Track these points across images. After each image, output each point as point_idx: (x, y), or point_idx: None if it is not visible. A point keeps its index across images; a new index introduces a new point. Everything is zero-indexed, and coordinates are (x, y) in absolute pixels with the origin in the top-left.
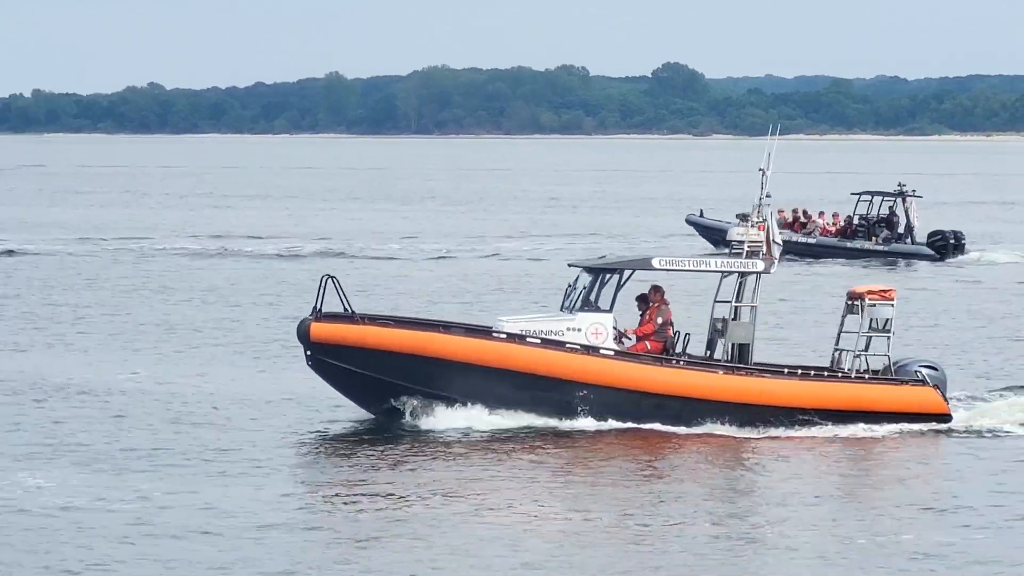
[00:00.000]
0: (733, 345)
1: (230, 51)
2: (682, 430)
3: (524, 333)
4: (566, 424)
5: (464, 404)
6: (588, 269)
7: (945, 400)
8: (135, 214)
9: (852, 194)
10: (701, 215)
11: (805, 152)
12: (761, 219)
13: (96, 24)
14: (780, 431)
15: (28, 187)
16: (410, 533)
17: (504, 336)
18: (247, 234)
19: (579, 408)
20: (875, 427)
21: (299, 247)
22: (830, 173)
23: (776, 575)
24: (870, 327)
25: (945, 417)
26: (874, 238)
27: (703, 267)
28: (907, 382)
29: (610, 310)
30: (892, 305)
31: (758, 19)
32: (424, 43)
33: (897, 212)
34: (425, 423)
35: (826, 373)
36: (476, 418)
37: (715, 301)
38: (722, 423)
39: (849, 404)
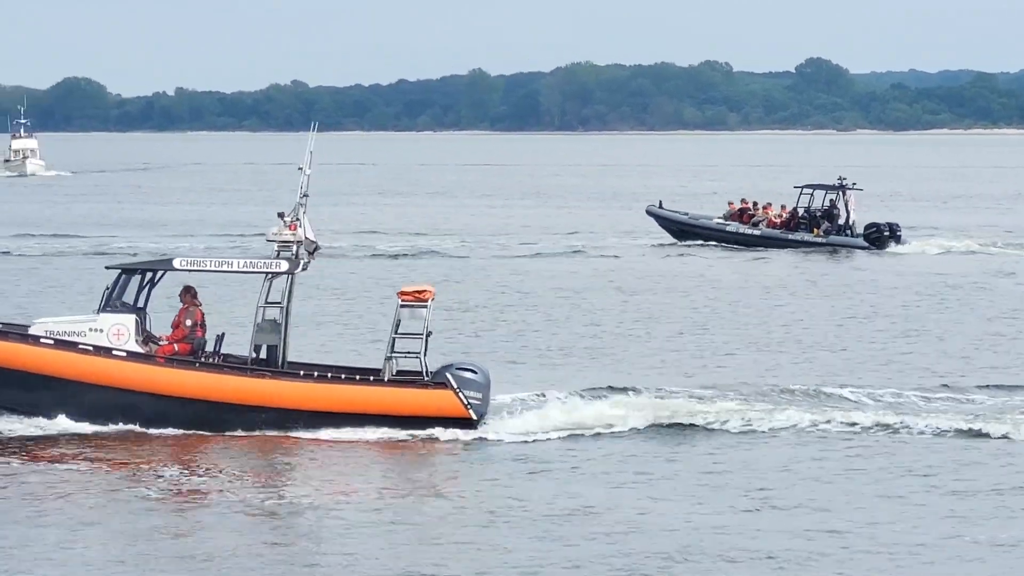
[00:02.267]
0: (264, 347)
1: (373, 48)
2: (205, 433)
3: (45, 334)
4: (81, 426)
5: None
6: (119, 270)
7: (466, 404)
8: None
9: (795, 187)
10: (660, 206)
11: (948, 146)
12: (294, 218)
13: (239, 22)
14: (302, 434)
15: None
16: None
17: (18, 337)
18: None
19: (95, 409)
20: (396, 431)
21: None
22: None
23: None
24: (396, 328)
25: (467, 422)
26: (815, 230)
27: (225, 267)
28: (428, 385)
29: (134, 311)
30: (426, 307)
31: (901, 13)
32: (567, 39)
33: (838, 205)
34: None
35: (344, 376)
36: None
37: (265, 303)
38: (242, 426)
39: (364, 408)
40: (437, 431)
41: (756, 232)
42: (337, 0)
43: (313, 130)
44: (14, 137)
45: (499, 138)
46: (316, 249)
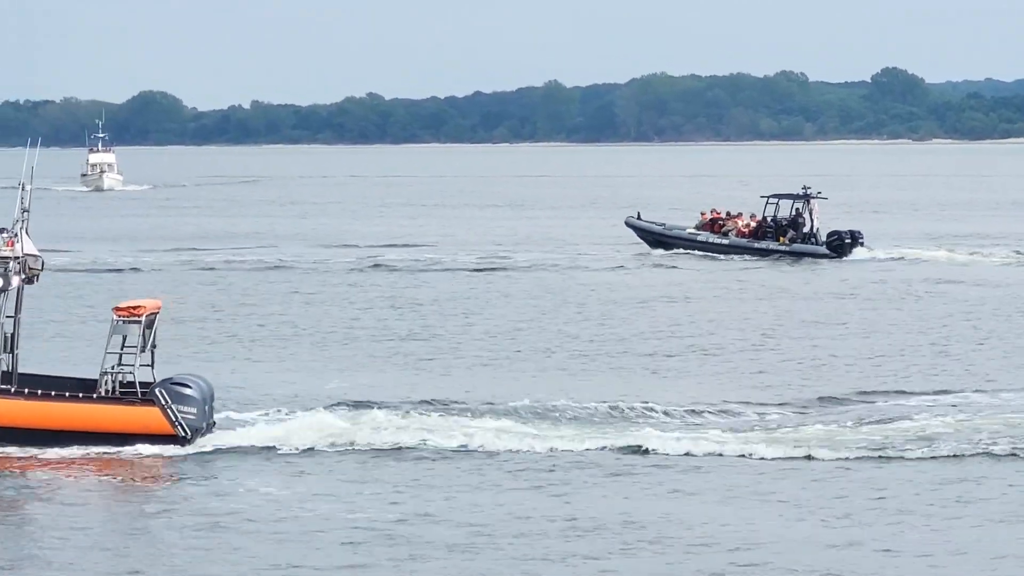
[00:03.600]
0: None
1: (448, 61)
2: None
3: None
4: None
5: None
6: None
7: (173, 421)
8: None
9: (761, 197)
10: (639, 217)
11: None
12: (12, 234)
13: (314, 35)
14: (9, 451)
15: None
16: None
17: None
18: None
19: None
20: (105, 447)
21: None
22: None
23: None
24: (123, 343)
25: (175, 438)
26: (781, 238)
27: None
28: (135, 402)
29: None
30: (139, 322)
31: (977, 23)
32: (642, 50)
33: (803, 214)
34: None
35: (54, 392)
36: None
37: None
38: None
39: (69, 425)
40: (145, 447)
41: (725, 241)
42: (412, 13)
43: (37, 146)
44: (91, 151)
45: (575, 149)
46: (30, 266)
